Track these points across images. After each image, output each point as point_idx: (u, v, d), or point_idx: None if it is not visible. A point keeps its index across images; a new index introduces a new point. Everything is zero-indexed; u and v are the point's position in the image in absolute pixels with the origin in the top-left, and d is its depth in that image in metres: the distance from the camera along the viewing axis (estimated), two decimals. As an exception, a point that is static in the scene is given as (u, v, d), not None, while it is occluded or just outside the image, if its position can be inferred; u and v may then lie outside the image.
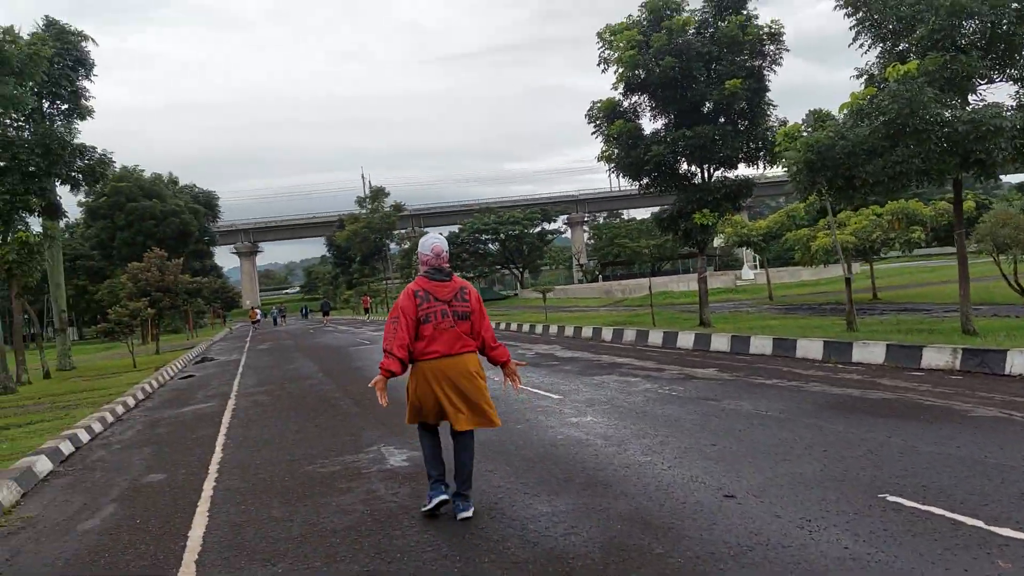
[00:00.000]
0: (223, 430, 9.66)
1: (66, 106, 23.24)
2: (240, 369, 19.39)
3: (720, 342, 14.93)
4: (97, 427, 10.84)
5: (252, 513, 5.61)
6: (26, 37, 18.66)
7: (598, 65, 20.37)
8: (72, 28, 23.99)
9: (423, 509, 5.10)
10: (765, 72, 19.20)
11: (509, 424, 8.11)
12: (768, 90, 19.44)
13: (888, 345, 11.31)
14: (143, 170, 64.93)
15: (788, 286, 44.43)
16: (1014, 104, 12.46)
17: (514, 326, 26.94)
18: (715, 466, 5.81)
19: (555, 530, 4.57)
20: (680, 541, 4.25)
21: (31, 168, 21.34)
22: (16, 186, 20.83)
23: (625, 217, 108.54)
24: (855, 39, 13.99)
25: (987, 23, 12.00)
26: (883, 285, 31.10)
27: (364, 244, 76.88)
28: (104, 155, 23.81)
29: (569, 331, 21.85)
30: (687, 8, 19.90)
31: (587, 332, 20.65)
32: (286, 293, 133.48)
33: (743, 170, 20.94)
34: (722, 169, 20.67)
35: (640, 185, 21.59)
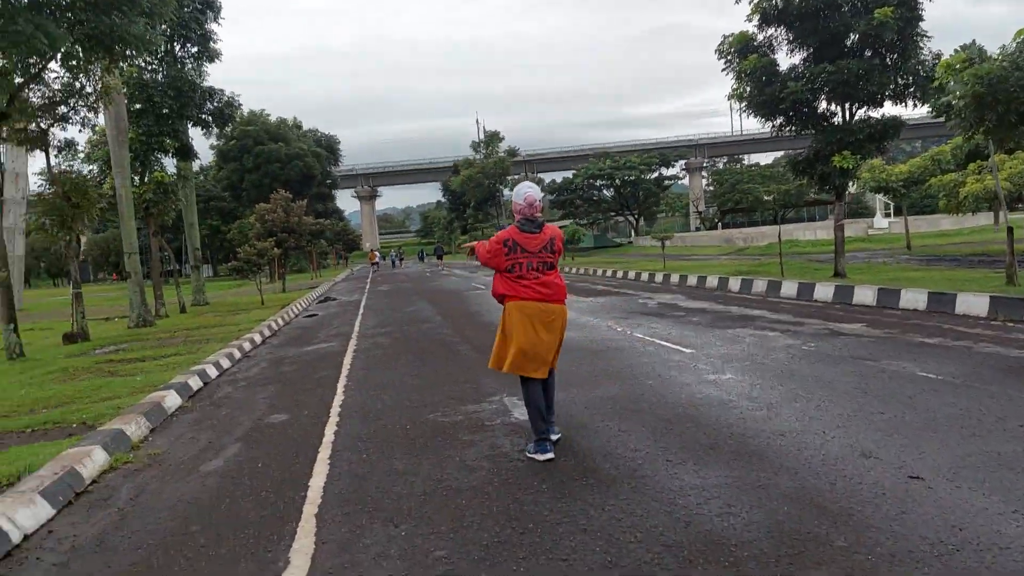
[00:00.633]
0: (344, 371, 9.57)
1: (196, 48, 23.85)
2: (361, 310, 19.65)
3: (864, 294, 13.67)
4: (225, 363, 11.06)
5: (374, 463, 5.33)
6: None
7: (730, -5, 18.88)
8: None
9: (528, 453, 5.15)
10: (918, -2, 17.22)
11: (639, 379, 7.52)
12: (922, 19, 17.45)
13: (1075, 304, 9.88)
14: (269, 114, 67.10)
15: (926, 236, 41.26)
16: None
17: (632, 274, 26.09)
18: (888, 439, 5.02)
19: (708, 508, 3.98)
20: (865, 532, 3.57)
21: (164, 110, 22.15)
22: (151, 127, 21.68)
23: (746, 163, 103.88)
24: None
25: None
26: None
27: (478, 189, 76.98)
28: (232, 98, 24.46)
29: (692, 280, 20.85)
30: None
31: (712, 282, 19.60)
32: (403, 236, 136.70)
33: (888, 108, 19.12)
34: (866, 108, 18.95)
35: (773, 126, 20.18)
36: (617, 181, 73.84)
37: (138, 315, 19.46)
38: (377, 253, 63.07)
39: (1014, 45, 12.95)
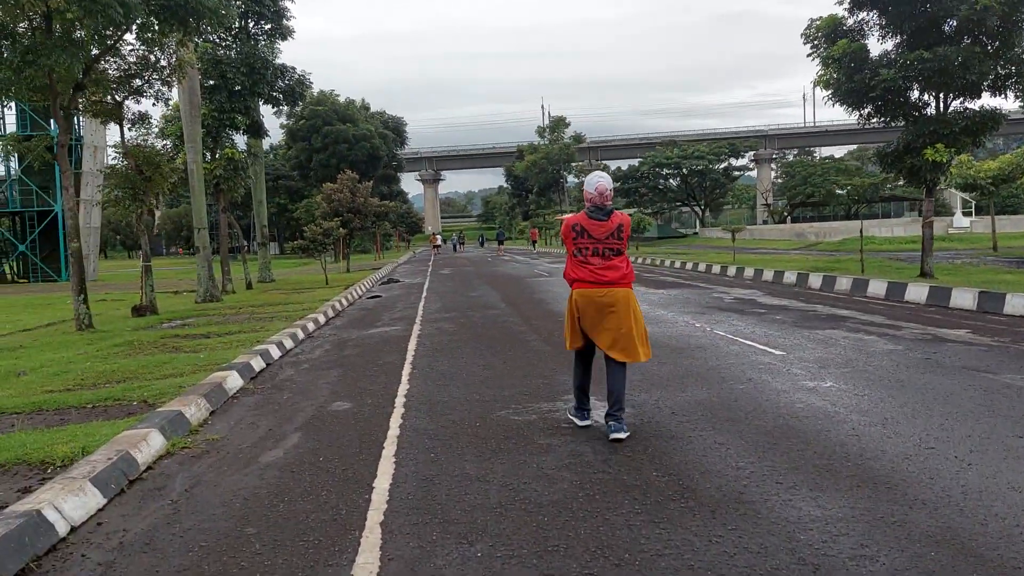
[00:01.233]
0: (409, 358, 9.19)
1: (269, 25, 23.85)
2: (424, 293, 19.37)
3: (963, 298, 12.65)
4: (288, 343, 10.82)
5: (443, 465, 4.88)
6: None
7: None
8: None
9: (571, 416, 5.67)
10: (1027, -19, 15.86)
11: (728, 382, 6.90)
12: (1027, 4, 16.05)
13: None
14: (338, 95, 67.62)
15: (1012, 236, 39.09)
16: None
17: (701, 266, 25.17)
18: (1037, 471, 4.32)
19: (838, 548, 3.39)
20: (1042, 594, 2.94)
21: (237, 87, 22.18)
22: (223, 104, 21.75)
23: (817, 156, 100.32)
24: None
25: None
26: None
27: (541, 175, 76.32)
28: (303, 76, 24.42)
29: (768, 275, 19.90)
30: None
31: (790, 277, 18.64)
32: (464, 221, 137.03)
33: (985, 100, 17.80)
34: (962, 98, 17.69)
35: (860, 115, 19.13)
36: (684, 170, 72.24)
37: (205, 290, 19.59)
38: (439, 236, 63.09)
39: None
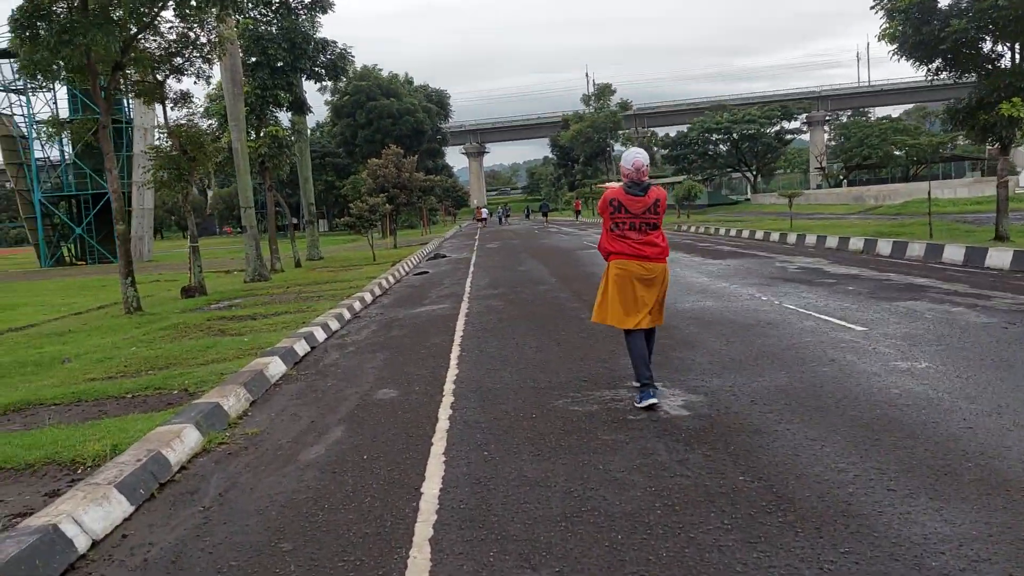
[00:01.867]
0: (457, 339, 8.73)
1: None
2: (471, 268, 18.92)
3: (1054, 264, 11.66)
4: (334, 324, 10.47)
5: (497, 465, 4.39)
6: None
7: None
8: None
9: (636, 404, 5.32)
10: None
11: (810, 364, 6.25)
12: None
13: None
14: (381, 69, 67.19)
15: (1086, 196, 36.72)
16: None
17: (759, 234, 24.17)
18: None
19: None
20: None
21: (279, 63, 21.88)
22: (266, 81, 21.48)
23: (872, 116, 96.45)
24: None
25: None
26: None
27: (587, 144, 74.93)
28: (345, 50, 24.00)
29: (831, 242, 18.91)
30: None
31: (856, 244, 17.64)
32: (509, 194, 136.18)
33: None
34: (1043, 48, 16.37)
35: (928, 70, 17.86)
36: (735, 135, 70.09)
37: (254, 269, 19.48)
38: (484, 210, 62.56)
39: None
